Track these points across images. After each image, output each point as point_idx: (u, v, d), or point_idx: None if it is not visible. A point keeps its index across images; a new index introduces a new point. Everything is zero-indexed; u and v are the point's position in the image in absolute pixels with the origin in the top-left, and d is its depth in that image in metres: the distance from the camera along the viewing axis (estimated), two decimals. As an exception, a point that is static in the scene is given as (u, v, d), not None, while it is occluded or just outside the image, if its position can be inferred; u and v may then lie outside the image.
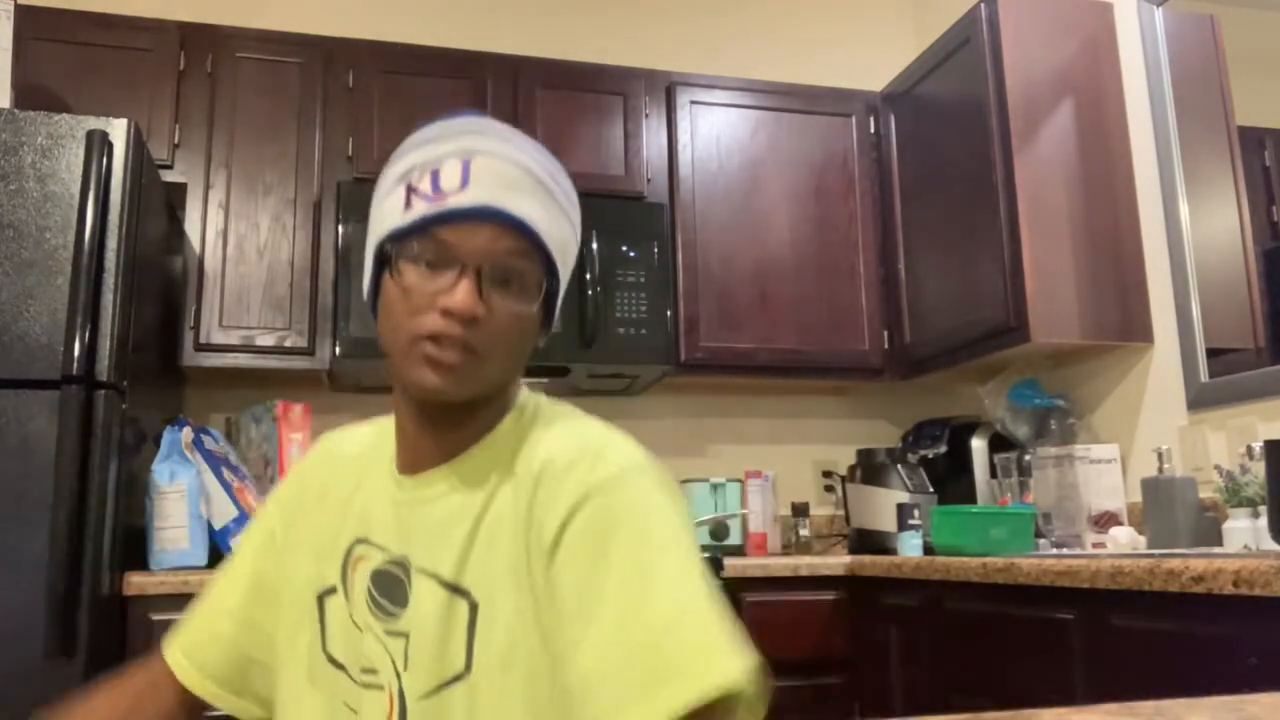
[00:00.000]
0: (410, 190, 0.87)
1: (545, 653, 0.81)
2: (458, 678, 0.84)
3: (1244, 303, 2.26)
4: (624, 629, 0.75)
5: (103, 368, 2.01)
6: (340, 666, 0.92)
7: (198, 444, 2.41)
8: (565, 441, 0.88)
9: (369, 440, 1.02)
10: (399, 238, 0.86)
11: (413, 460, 0.93)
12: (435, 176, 0.86)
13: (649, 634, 0.74)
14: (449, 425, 0.91)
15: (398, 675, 0.87)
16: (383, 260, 0.88)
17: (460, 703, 0.83)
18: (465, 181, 0.85)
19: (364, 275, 0.93)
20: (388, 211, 0.88)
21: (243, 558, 1.03)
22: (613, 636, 0.75)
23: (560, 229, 0.90)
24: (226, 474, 2.41)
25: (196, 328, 2.56)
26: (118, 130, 2.12)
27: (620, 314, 2.74)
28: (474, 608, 0.85)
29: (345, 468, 1.00)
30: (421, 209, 0.85)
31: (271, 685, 0.98)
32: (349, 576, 0.93)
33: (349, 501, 0.96)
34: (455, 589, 0.86)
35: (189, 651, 1.00)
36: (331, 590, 0.94)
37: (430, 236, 0.85)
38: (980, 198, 2.63)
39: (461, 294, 0.83)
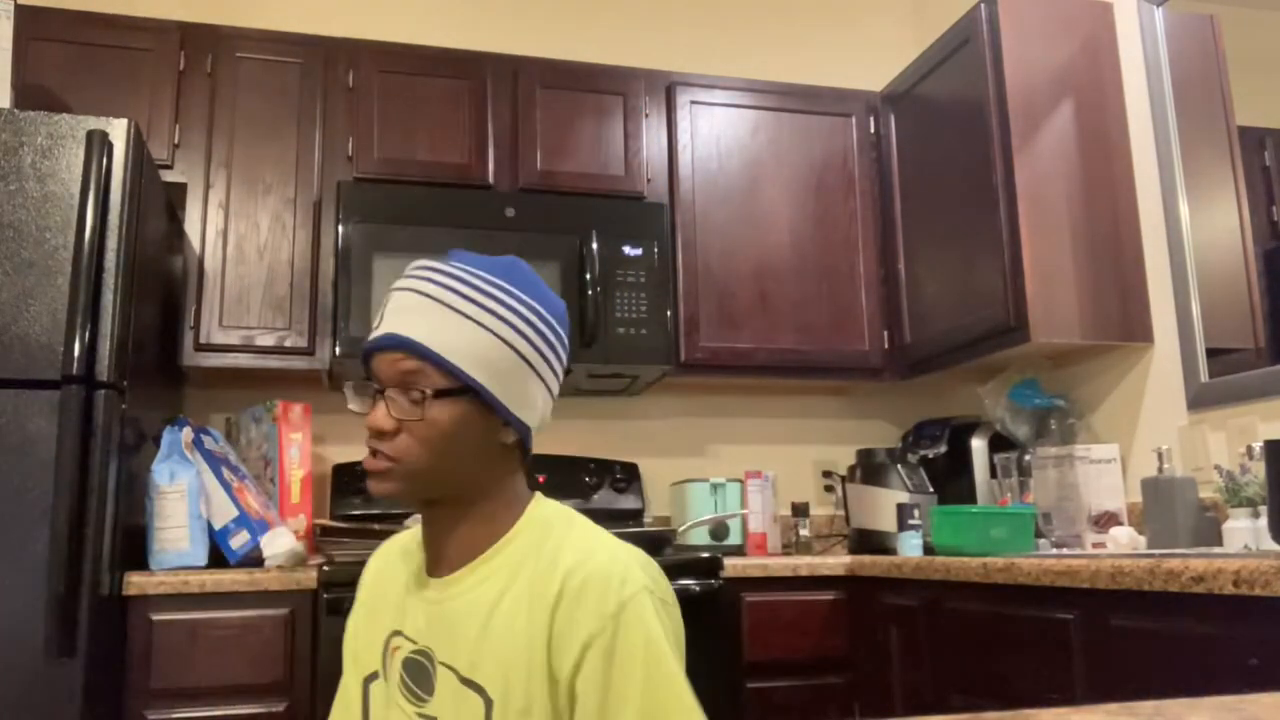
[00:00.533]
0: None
1: None
2: None
3: (1244, 303, 2.26)
4: None
5: (103, 368, 2.01)
6: None
7: (198, 444, 2.41)
8: (580, 558, 0.99)
9: (407, 544, 1.16)
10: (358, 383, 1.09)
11: (435, 562, 1.07)
12: (380, 321, 1.06)
13: None
14: (443, 527, 1.06)
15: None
16: None
17: None
18: (380, 319, 1.05)
19: None
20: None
21: (345, 673, 1.19)
22: None
23: (469, 338, 1.01)
24: (226, 474, 2.41)
25: (196, 328, 2.56)
26: (118, 130, 2.12)
27: (620, 314, 2.74)
28: (489, 703, 0.97)
29: (394, 569, 1.14)
30: (361, 355, 1.08)
31: None
32: (387, 663, 1.07)
33: (397, 598, 1.10)
34: (469, 683, 0.99)
35: None
36: (374, 675, 1.10)
37: (368, 372, 1.06)
38: (980, 198, 2.63)
39: (376, 412, 1.02)
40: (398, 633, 1.07)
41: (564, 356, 1.11)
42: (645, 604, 0.96)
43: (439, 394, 1.00)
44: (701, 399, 3.24)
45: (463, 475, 1.04)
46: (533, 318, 1.05)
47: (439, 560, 1.06)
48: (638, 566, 0.99)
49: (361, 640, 1.13)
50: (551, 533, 1.04)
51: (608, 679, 0.93)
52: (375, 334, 1.03)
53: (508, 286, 1.05)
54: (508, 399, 1.03)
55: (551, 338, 1.08)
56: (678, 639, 1.01)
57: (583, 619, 0.94)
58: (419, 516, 1.12)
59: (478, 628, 0.99)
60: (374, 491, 1.02)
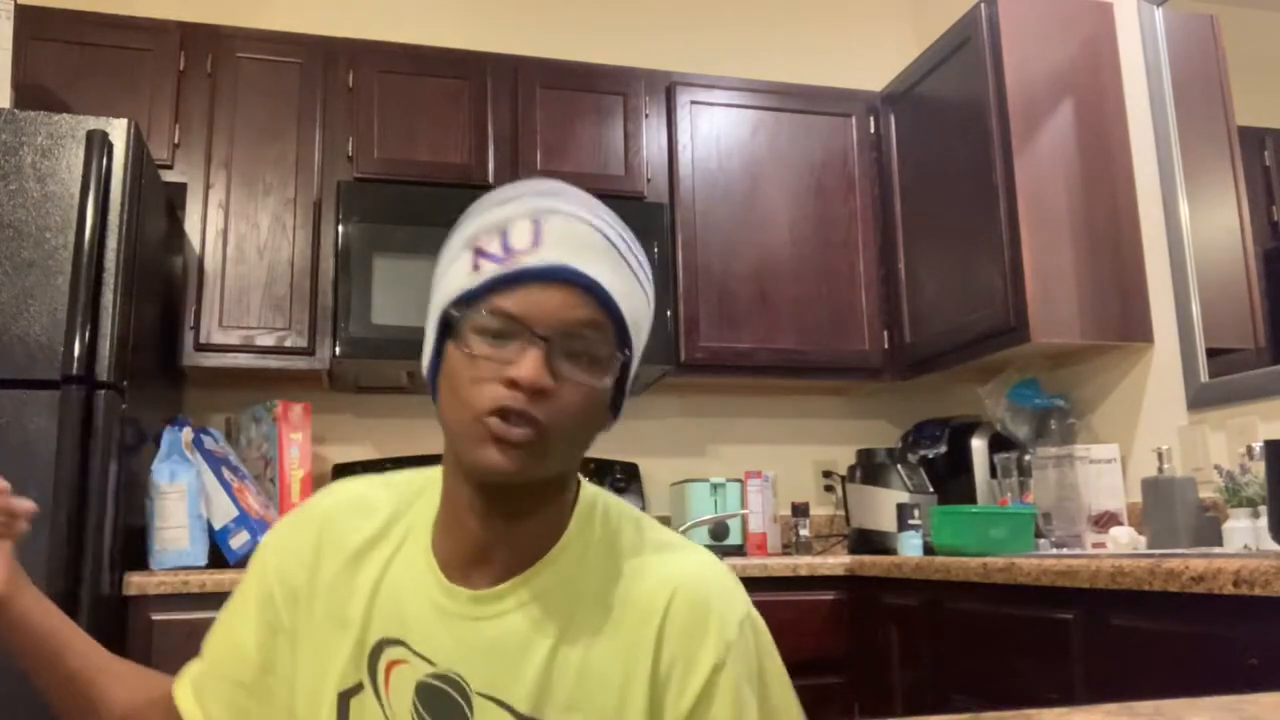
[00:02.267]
0: (478, 253, 0.81)
1: None
2: None
3: (1244, 303, 2.26)
4: None
5: (103, 368, 2.01)
6: None
7: (198, 444, 2.41)
8: (684, 572, 0.85)
9: (389, 512, 0.91)
10: (465, 303, 0.80)
11: (469, 562, 0.85)
12: (505, 237, 0.80)
13: None
14: (514, 519, 0.84)
15: None
16: (446, 329, 0.81)
17: None
18: (537, 241, 0.79)
19: (425, 347, 0.85)
20: (453, 276, 0.82)
21: (244, 621, 0.93)
22: None
23: (635, 299, 0.83)
24: (226, 474, 2.41)
25: (196, 328, 2.55)
26: (118, 130, 2.12)
27: (620, 314, 2.73)
28: None
29: (364, 550, 0.89)
30: (490, 271, 0.79)
31: None
32: (380, 679, 0.85)
33: (374, 592, 0.87)
34: None
35: (200, 696, 0.94)
36: (356, 689, 0.86)
37: (498, 302, 0.79)
38: (980, 198, 2.63)
39: (529, 364, 0.77)
40: (395, 642, 0.85)
41: None
42: (756, 629, 0.86)
43: (610, 361, 0.81)
44: (701, 399, 3.24)
45: (574, 465, 0.85)
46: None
47: (480, 560, 0.85)
48: (734, 581, 0.88)
49: (314, 627, 0.88)
50: (619, 534, 0.88)
51: (740, 711, 0.82)
52: (541, 262, 0.79)
53: (647, 260, 0.87)
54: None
55: None
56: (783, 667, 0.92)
57: (704, 652, 0.81)
58: (390, 476, 0.94)
59: (543, 655, 0.82)
60: (498, 469, 0.78)
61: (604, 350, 0.81)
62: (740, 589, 0.88)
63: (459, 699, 0.82)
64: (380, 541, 0.90)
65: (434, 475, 0.91)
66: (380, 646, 0.86)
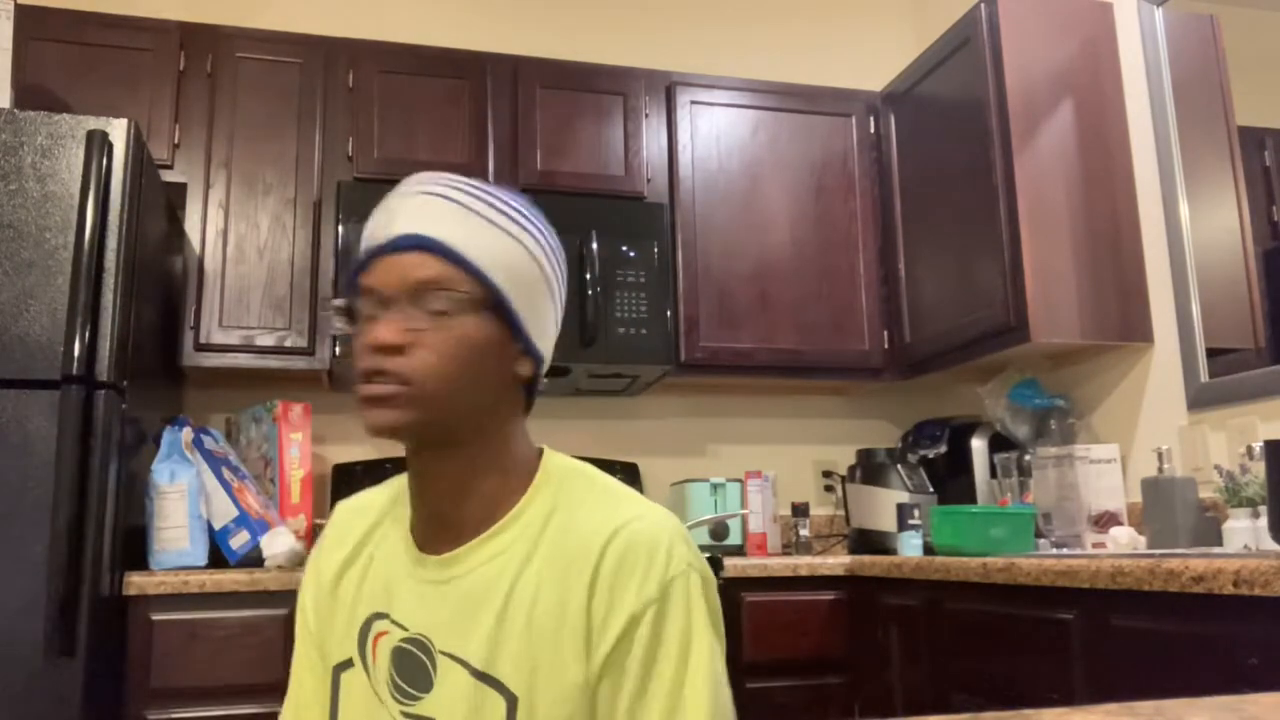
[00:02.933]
0: (363, 241, 0.90)
1: None
2: None
3: (1244, 303, 2.26)
4: None
5: (103, 368, 2.01)
6: None
7: (198, 444, 2.41)
8: (619, 523, 0.87)
9: (382, 506, 0.99)
10: (346, 285, 0.89)
11: (433, 533, 0.91)
12: (369, 230, 0.90)
13: None
14: (450, 483, 0.89)
15: None
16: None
17: None
18: (390, 224, 0.87)
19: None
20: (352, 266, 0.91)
21: (298, 662, 1.02)
22: None
23: (501, 246, 0.88)
24: (226, 474, 2.41)
25: (196, 328, 2.55)
26: (118, 130, 2.12)
27: (620, 314, 2.74)
28: (512, 701, 0.83)
29: (360, 544, 0.97)
30: (356, 261, 0.89)
31: None
32: (368, 651, 0.91)
33: (365, 574, 0.95)
34: (486, 678, 0.84)
35: None
36: (347, 664, 0.92)
37: (360, 281, 0.87)
38: (980, 198, 2.63)
39: (380, 326, 0.84)
40: (381, 615, 0.90)
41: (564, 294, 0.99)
42: (694, 583, 0.86)
43: (468, 306, 0.86)
44: (701, 399, 3.24)
45: (480, 409, 0.88)
46: (552, 240, 0.95)
47: (441, 527, 0.90)
48: (681, 539, 0.89)
49: (329, 622, 0.95)
50: (572, 491, 0.91)
51: (648, 666, 0.83)
52: (387, 235, 0.87)
53: (529, 206, 0.95)
54: (530, 321, 0.90)
55: (562, 266, 0.97)
56: (719, 623, 0.89)
57: (626, 596, 0.83)
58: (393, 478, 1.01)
59: (494, 612, 0.85)
60: (375, 425, 0.85)
61: (457, 296, 0.85)
62: (687, 548, 0.89)
63: (425, 659, 0.87)
64: (373, 532, 0.97)
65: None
66: (369, 621, 0.92)
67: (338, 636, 0.94)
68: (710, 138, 3.00)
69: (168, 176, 2.57)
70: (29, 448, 1.95)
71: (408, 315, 0.85)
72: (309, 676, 0.99)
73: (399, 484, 0.99)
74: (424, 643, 0.88)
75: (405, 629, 0.89)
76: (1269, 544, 1.94)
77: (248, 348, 2.58)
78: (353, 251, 2.57)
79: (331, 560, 0.98)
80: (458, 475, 0.89)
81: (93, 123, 2.10)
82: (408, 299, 0.85)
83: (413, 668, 0.88)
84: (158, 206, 2.36)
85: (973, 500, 2.78)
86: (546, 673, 0.83)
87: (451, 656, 0.86)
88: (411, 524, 0.93)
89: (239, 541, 2.32)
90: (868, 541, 2.77)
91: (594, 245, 2.72)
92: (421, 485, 0.91)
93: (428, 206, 0.88)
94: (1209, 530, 2.12)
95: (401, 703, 0.87)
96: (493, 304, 0.87)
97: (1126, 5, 2.65)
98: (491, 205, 0.90)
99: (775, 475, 3.07)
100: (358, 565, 0.96)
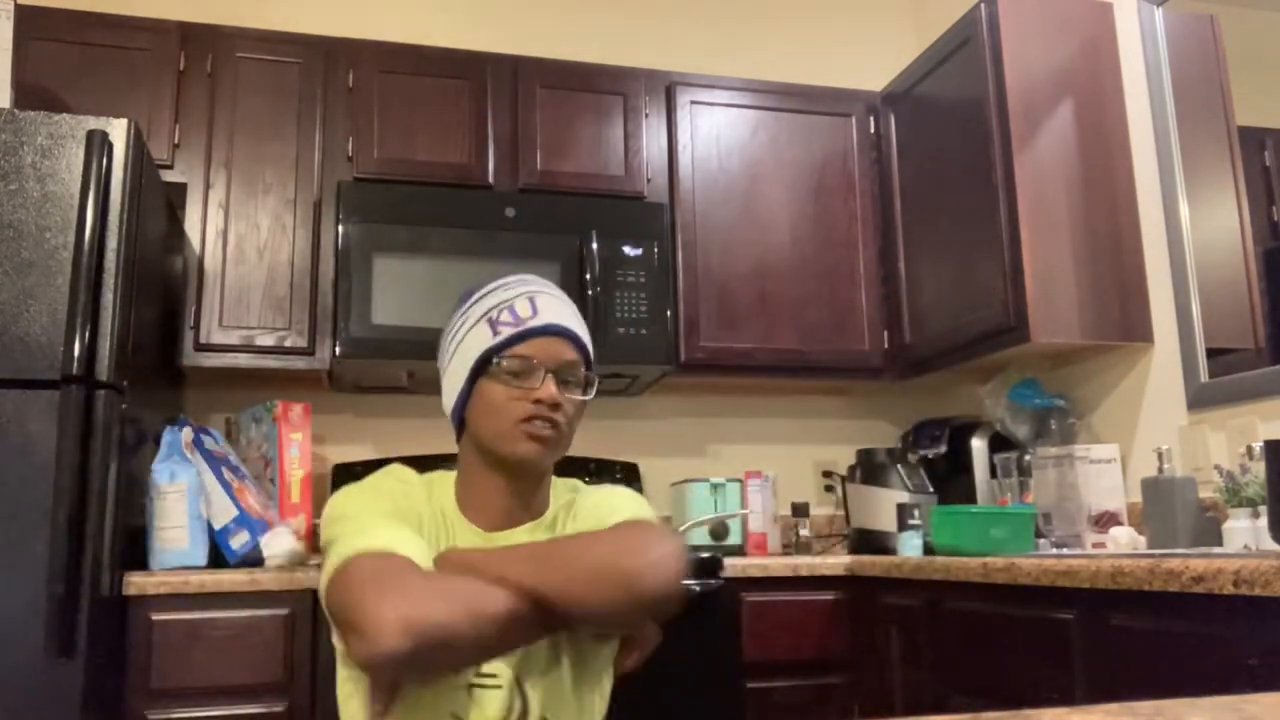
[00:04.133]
0: (492, 323, 1.21)
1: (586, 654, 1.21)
2: (552, 670, 1.18)
3: (1244, 303, 2.26)
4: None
5: (103, 368, 2.01)
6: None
7: (198, 444, 2.40)
8: (580, 494, 1.28)
9: (422, 499, 1.23)
10: (493, 354, 1.19)
11: (497, 520, 1.22)
12: (512, 311, 1.21)
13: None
14: (532, 488, 1.24)
15: (515, 676, 1.15)
16: (476, 375, 1.21)
17: (556, 686, 1.18)
18: (534, 312, 1.21)
19: (451, 392, 1.24)
20: (476, 339, 1.21)
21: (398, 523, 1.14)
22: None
23: (590, 341, 1.27)
24: (226, 474, 2.41)
25: (196, 328, 2.56)
26: (118, 130, 2.12)
27: (620, 314, 2.74)
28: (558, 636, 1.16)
29: (411, 498, 1.21)
30: (507, 332, 1.20)
31: None
32: None
33: (428, 525, 1.19)
34: None
35: None
36: None
37: (519, 350, 1.19)
38: (980, 198, 2.63)
39: (549, 388, 1.19)
40: None
41: None
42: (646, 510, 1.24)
43: (584, 388, 1.24)
44: (701, 399, 3.24)
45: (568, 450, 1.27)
46: None
47: (503, 517, 1.22)
48: (639, 506, 1.23)
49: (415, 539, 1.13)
50: (573, 495, 1.29)
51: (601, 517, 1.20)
52: (544, 320, 1.21)
53: None
54: None
55: None
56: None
57: (582, 511, 1.24)
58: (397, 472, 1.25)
59: None
60: (532, 456, 1.18)
61: (584, 374, 1.25)
62: (642, 510, 1.22)
63: None
64: (434, 511, 1.23)
65: (433, 477, 1.27)
66: None
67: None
68: (710, 138, 3.00)
69: (168, 176, 2.57)
70: (29, 448, 1.95)
71: (555, 385, 1.19)
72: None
73: (420, 479, 1.25)
74: None
75: None
76: (1269, 544, 1.94)
77: (248, 348, 2.58)
78: (353, 250, 2.58)
79: (408, 517, 1.17)
80: (536, 486, 1.25)
81: (93, 123, 2.10)
82: (557, 370, 1.21)
83: None
84: (158, 206, 2.36)
85: (973, 500, 2.78)
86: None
87: None
88: (464, 513, 1.23)
89: (239, 541, 2.32)
90: (868, 541, 2.77)
91: (594, 245, 2.72)
92: (510, 492, 1.23)
93: (557, 304, 1.24)
94: (1209, 530, 2.12)
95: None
96: (594, 380, 1.26)
97: (1126, 5, 2.65)
98: (577, 311, 1.28)
99: (775, 475, 3.07)
100: (425, 528, 1.19)
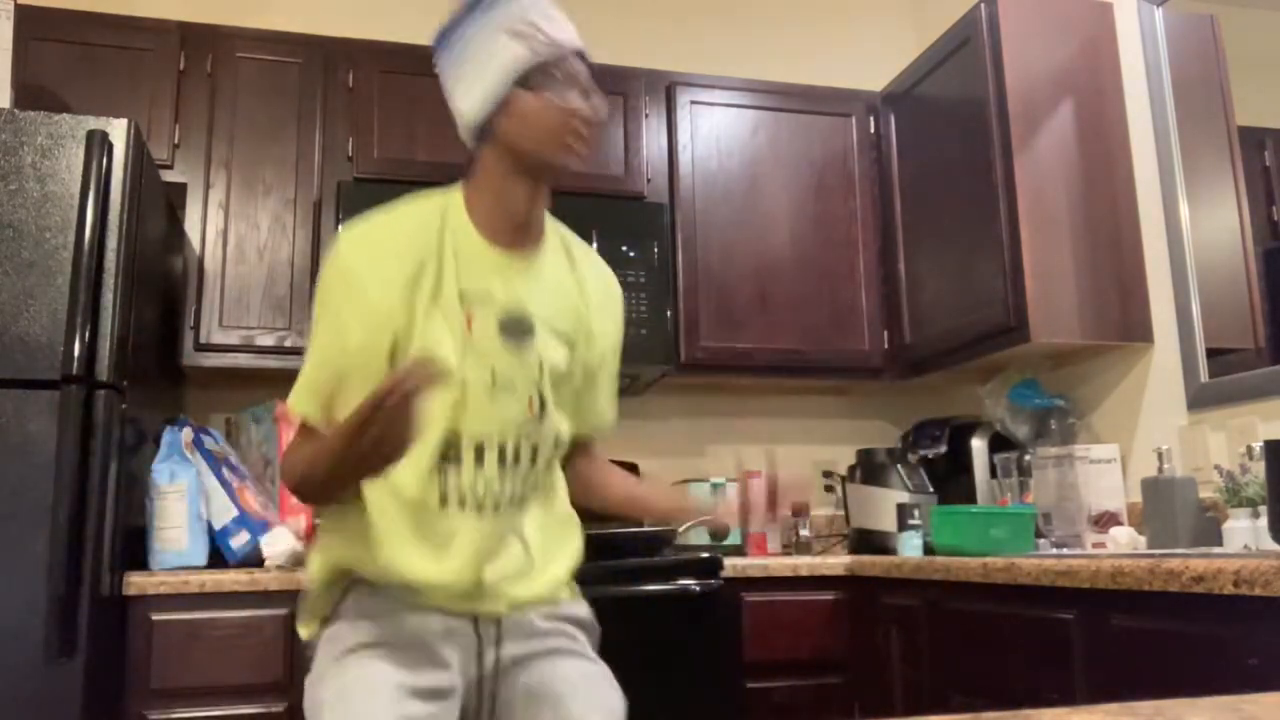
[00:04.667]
0: (521, 36, 1.28)
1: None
2: (563, 374, 1.37)
3: (1244, 303, 2.26)
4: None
5: (103, 368, 2.01)
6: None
7: (198, 444, 2.41)
8: (603, 266, 1.50)
9: (435, 222, 1.31)
10: (534, 70, 1.27)
11: (514, 231, 1.33)
12: (537, 28, 1.28)
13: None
14: (544, 201, 1.35)
15: (535, 383, 1.32)
16: (507, 90, 1.28)
17: (568, 387, 1.39)
18: (556, 30, 1.30)
19: (480, 101, 1.29)
20: (510, 54, 1.27)
21: (360, 344, 1.27)
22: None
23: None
24: (226, 474, 2.41)
25: (196, 328, 2.56)
26: (118, 130, 2.12)
27: (620, 314, 2.73)
28: (570, 349, 1.37)
29: (416, 237, 1.29)
30: (543, 49, 1.28)
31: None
32: (473, 315, 1.29)
33: (441, 268, 1.28)
34: (561, 337, 1.36)
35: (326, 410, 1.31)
36: (466, 336, 1.29)
37: (558, 67, 1.29)
38: (980, 198, 2.63)
39: (590, 106, 1.31)
40: (470, 296, 1.28)
41: None
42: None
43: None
44: (701, 399, 3.24)
45: None
46: None
47: (522, 233, 1.34)
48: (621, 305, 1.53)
49: (418, 311, 1.26)
50: (561, 231, 1.45)
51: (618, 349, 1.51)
52: (572, 43, 1.32)
53: None
54: None
55: None
56: None
57: (614, 302, 1.48)
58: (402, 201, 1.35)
59: (560, 292, 1.37)
60: (571, 164, 1.30)
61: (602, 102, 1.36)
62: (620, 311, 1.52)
63: (527, 320, 1.32)
64: (431, 231, 1.30)
65: (449, 198, 1.34)
66: (463, 292, 1.29)
67: (430, 317, 1.27)
68: (710, 138, 3.00)
69: (168, 176, 2.57)
70: (29, 448, 1.95)
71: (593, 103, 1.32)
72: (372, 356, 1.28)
73: (428, 210, 1.32)
74: (522, 310, 1.32)
75: (501, 300, 1.30)
76: (1269, 544, 1.94)
77: (248, 348, 2.58)
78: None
79: (392, 265, 1.27)
80: (544, 203, 1.37)
81: (93, 123, 2.10)
82: (586, 88, 1.32)
83: (519, 326, 1.31)
84: (158, 206, 2.36)
85: (973, 500, 2.78)
86: (581, 333, 1.40)
87: (542, 319, 1.33)
88: (478, 228, 1.32)
89: (239, 541, 2.32)
90: (868, 541, 2.77)
91: (594, 245, 2.71)
92: (528, 199, 1.32)
93: (569, 20, 1.36)
94: (1209, 530, 2.12)
95: (514, 348, 1.31)
96: None
97: (1126, 5, 2.65)
98: None
99: (775, 475, 3.06)
100: (419, 250, 1.28)
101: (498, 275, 1.31)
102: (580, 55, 1.32)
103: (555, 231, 1.42)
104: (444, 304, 1.27)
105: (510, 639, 1.32)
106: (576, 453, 1.52)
